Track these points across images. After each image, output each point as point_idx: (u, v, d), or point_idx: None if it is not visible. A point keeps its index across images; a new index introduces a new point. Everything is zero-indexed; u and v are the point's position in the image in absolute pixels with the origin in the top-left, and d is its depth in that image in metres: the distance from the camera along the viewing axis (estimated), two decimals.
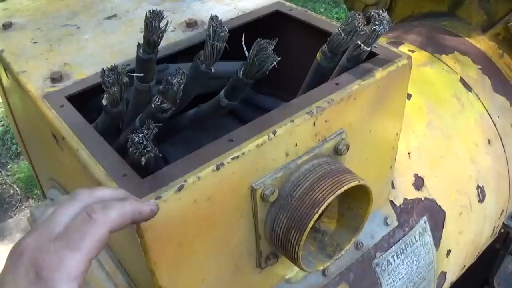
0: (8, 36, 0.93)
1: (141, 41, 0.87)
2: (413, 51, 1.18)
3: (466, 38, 1.24)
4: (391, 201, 0.96)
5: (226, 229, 0.67)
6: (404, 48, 1.19)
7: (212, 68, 0.69)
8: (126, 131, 0.75)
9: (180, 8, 0.97)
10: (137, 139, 0.55)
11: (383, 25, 0.72)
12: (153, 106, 0.65)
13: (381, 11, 0.73)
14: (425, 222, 0.98)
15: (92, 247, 0.46)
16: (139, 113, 0.74)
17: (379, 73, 0.74)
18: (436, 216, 1.00)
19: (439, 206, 1.00)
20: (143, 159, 0.58)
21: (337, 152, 0.73)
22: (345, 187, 0.66)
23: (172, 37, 0.88)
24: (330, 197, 0.65)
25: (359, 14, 0.72)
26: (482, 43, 1.24)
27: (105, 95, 0.64)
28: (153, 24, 0.64)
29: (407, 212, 0.97)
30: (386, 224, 0.94)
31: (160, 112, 0.65)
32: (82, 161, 0.65)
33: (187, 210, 0.60)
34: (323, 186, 0.66)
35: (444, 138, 1.05)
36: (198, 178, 0.59)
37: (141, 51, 0.68)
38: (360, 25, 0.71)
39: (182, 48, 0.84)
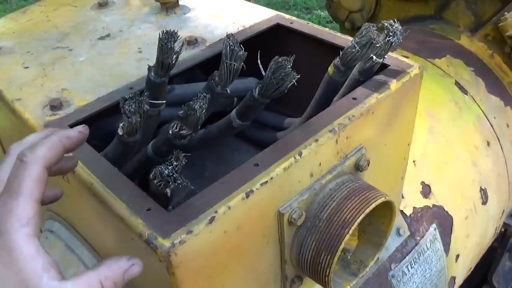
0: None
1: (141, 62, 0.84)
2: (406, 57, 1.17)
3: (456, 40, 1.24)
4: (401, 211, 0.95)
5: (253, 257, 0.64)
6: (397, 55, 1.18)
7: (227, 89, 0.66)
8: (137, 157, 0.71)
9: (177, 25, 0.93)
10: (166, 172, 0.52)
11: (397, 36, 0.71)
12: (170, 132, 0.61)
13: (393, 22, 0.71)
14: (434, 229, 0.97)
15: (32, 188, 0.46)
16: (147, 138, 0.70)
17: (394, 85, 0.73)
18: (444, 222, 0.99)
19: (447, 211, 1.00)
20: (168, 190, 0.55)
21: (358, 168, 0.71)
22: (373, 205, 0.64)
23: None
24: (360, 216, 0.63)
25: (373, 26, 0.70)
26: (472, 44, 1.24)
27: (121, 124, 0.61)
28: (168, 46, 0.61)
29: (417, 221, 0.96)
30: (399, 234, 0.93)
31: (179, 138, 0.62)
32: (98, 195, 0.61)
33: (218, 242, 0.57)
34: (350, 205, 0.64)
35: (446, 143, 1.05)
36: (229, 207, 0.56)
37: (152, 74, 0.65)
38: (375, 37, 0.69)
39: (186, 67, 0.81)
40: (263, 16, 0.94)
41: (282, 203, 0.63)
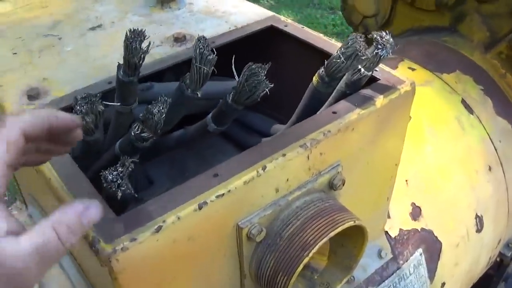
0: None
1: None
2: (413, 69, 1.13)
3: (467, 56, 1.19)
4: (386, 232, 0.91)
5: (207, 268, 0.62)
6: (404, 66, 1.14)
7: (198, 93, 0.63)
8: (105, 155, 0.69)
9: (169, 20, 0.91)
10: (110, 177, 0.49)
11: (386, 49, 0.67)
12: (132, 134, 0.59)
13: (384, 33, 0.68)
14: (420, 254, 0.93)
15: (5, 149, 0.44)
16: (120, 136, 0.68)
17: (380, 101, 0.69)
18: (432, 248, 0.95)
19: (436, 237, 0.96)
20: (119, 194, 0.52)
21: (331, 187, 0.68)
22: (339, 229, 0.61)
23: (159, 52, 0.82)
24: (322, 239, 0.60)
25: (360, 36, 0.67)
26: (484, 61, 1.19)
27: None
28: (133, 46, 0.58)
29: (403, 244, 0.92)
30: (380, 256, 0.89)
31: (140, 141, 0.60)
32: (54, 192, 0.59)
33: (166, 250, 0.54)
34: (315, 226, 0.61)
35: (444, 164, 1.00)
36: (178, 218, 0.53)
37: (121, 72, 0.62)
38: (361, 49, 0.65)
39: (168, 65, 0.78)
40: (259, 16, 0.91)
41: (242, 217, 0.60)
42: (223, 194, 0.56)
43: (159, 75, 0.81)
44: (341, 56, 0.66)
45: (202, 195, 0.55)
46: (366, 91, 0.70)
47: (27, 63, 0.81)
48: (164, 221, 0.53)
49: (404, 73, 1.10)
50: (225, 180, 0.57)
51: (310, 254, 0.59)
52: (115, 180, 0.49)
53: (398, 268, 0.89)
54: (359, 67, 0.68)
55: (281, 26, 0.87)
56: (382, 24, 1.44)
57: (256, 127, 0.92)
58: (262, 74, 0.60)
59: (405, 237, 0.92)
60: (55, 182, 0.59)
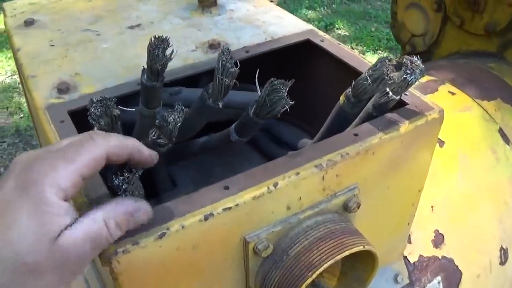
0: (28, 35, 0.90)
1: None
2: (453, 93, 1.11)
3: (511, 84, 1.15)
4: (405, 257, 0.89)
5: (212, 278, 0.62)
6: (444, 89, 1.11)
7: (220, 103, 0.63)
8: None
9: (207, 25, 0.92)
10: (116, 181, 0.50)
11: (415, 74, 0.65)
12: (149, 139, 0.60)
13: (415, 59, 0.66)
14: (438, 282, 0.91)
15: (86, 163, 0.46)
16: (143, 138, 0.69)
17: (405, 127, 0.68)
18: (451, 277, 0.92)
19: (456, 266, 0.93)
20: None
21: (346, 209, 0.67)
22: (346, 253, 0.60)
23: (192, 57, 0.83)
24: (328, 261, 0.59)
25: (389, 60, 0.65)
26: None
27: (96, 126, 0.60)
28: (156, 53, 0.59)
29: (421, 270, 0.89)
30: (396, 281, 0.87)
31: (157, 146, 0.60)
32: None
33: (169, 257, 0.55)
34: (322, 248, 0.60)
35: (473, 193, 0.97)
36: (183, 227, 0.54)
37: (145, 77, 0.63)
38: (388, 72, 0.64)
39: (199, 71, 0.79)
40: (298, 29, 0.90)
41: (250, 231, 0.60)
42: (230, 208, 0.56)
43: (194, 80, 0.82)
44: (368, 78, 0.65)
45: (209, 206, 0.55)
46: (392, 115, 0.69)
47: (63, 57, 0.83)
48: (168, 229, 0.53)
49: (443, 97, 1.09)
50: (234, 194, 0.57)
51: (314, 275, 0.59)
52: (121, 185, 0.50)
53: None
54: (387, 90, 0.67)
55: (317, 41, 0.87)
56: (430, 45, 1.41)
57: (285, 139, 0.92)
58: (284, 91, 0.60)
59: (424, 263, 0.90)
60: None
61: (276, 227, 0.61)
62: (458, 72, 1.18)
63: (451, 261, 0.93)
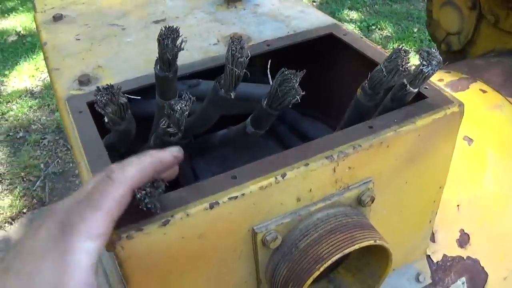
0: (56, 29, 0.92)
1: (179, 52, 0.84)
2: (485, 91, 1.07)
3: None
4: (428, 256, 0.87)
5: (220, 268, 0.62)
6: (475, 87, 1.08)
7: (232, 94, 0.63)
8: (144, 147, 0.71)
9: (231, 19, 0.92)
10: (138, 195, 0.50)
11: (432, 66, 0.64)
12: (160, 128, 0.60)
13: (432, 50, 0.65)
14: (463, 283, 0.88)
15: (112, 207, 0.47)
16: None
17: (421, 121, 0.66)
18: (476, 278, 0.89)
19: (482, 267, 0.90)
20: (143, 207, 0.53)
21: (359, 203, 0.65)
22: (356, 246, 0.59)
23: (213, 51, 0.83)
24: (336, 254, 0.58)
25: (405, 51, 0.64)
26: None
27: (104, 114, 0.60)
28: (165, 42, 0.59)
29: (445, 270, 0.87)
30: (418, 280, 0.85)
31: (167, 135, 0.61)
32: (80, 175, 0.62)
33: (174, 245, 0.55)
34: (332, 240, 0.59)
35: (503, 194, 0.94)
36: (187, 215, 0.54)
37: (157, 67, 0.64)
38: (403, 63, 0.63)
39: (218, 64, 0.79)
40: (323, 23, 0.89)
41: (258, 222, 0.59)
42: (236, 197, 0.56)
43: (215, 73, 0.82)
44: (383, 69, 0.64)
45: (215, 195, 0.55)
46: (409, 108, 0.68)
47: (87, 50, 0.85)
48: (172, 216, 0.53)
49: (474, 94, 1.06)
50: (241, 183, 0.56)
51: (322, 268, 0.58)
52: (142, 199, 0.50)
53: None
54: (405, 82, 0.66)
55: (340, 35, 0.85)
56: (465, 43, 1.37)
57: (311, 135, 0.91)
58: (294, 81, 0.59)
59: (448, 263, 0.88)
60: (82, 166, 0.62)
61: (286, 218, 0.61)
62: (492, 71, 1.15)
63: (476, 262, 0.90)
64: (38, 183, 2.36)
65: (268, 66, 0.63)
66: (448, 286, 0.87)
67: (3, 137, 2.71)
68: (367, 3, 3.82)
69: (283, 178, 0.58)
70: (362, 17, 3.63)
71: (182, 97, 0.56)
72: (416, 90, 0.66)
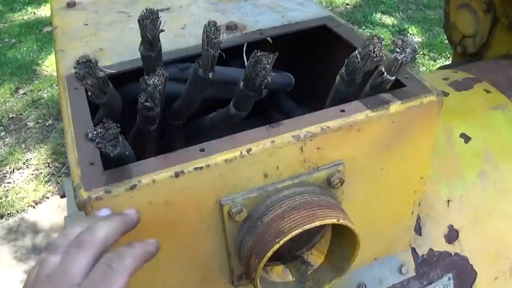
0: (67, 15, 0.98)
1: (178, 37, 0.88)
2: (489, 91, 1.07)
3: None
4: (414, 249, 0.88)
5: (189, 238, 0.65)
6: (480, 87, 1.08)
7: (209, 74, 0.67)
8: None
9: (231, 10, 0.95)
10: (90, 135, 0.54)
11: (405, 53, 0.65)
12: (139, 103, 0.64)
13: (407, 38, 0.66)
14: (449, 278, 0.88)
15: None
16: None
17: (395, 107, 0.68)
18: (464, 276, 0.89)
19: (471, 265, 0.90)
20: (108, 152, 0.57)
21: (329, 184, 0.67)
22: (317, 223, 0.61)
23: None
24: (296, 230, 0.60)
25: (378, 38, 0.66)
26: None
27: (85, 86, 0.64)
28: (145, 23, 0.63)
29: (430, 265, 0.88)
30: (401, 272, 0.86)
31: (146, 110, 0.64)
32: (66, 143, 0.66)
33: (142, 210, 0.58)
34: (294, 216, 0.62)
35: (496, 193, 0.94)
36: (153, 181, 0.57)
37: (142, 47, 0.68)
38: (376, 50, 0.65)
39: None
40: (319, 16, 0.92)
41: (225, 195, 0.62)
42: (201, 168, 0.59)
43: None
44: (357, 56, 0.66)
45: (181, 164, 0.58)
46: (385, 95, 0.69)
47: (92, 34, 0.90)
48: (139, 181, 0.57)
49: (477, 94, 1.06)
50: (207, 155, 0.59)
51: (282, 242, 0.60)
52: (94, 138, 0.54)
53: None
54: (382, 70, 0.68)
55: (333, 27, 0.88)
56: (480, 46, 1.37)
57: None
58: (265, 62, 0.62)
59: (434, 258, 0.88)
60: (69, 135, 0.66)
61: (253, 193, 0.63)
62: (500, 73, 1.14)
63: (465, 259, 0.90)
64: (63, 169, 2.46)
65: (244, 49, 0.66)
66: (433, 280, 0.87)
67: (33, 124, 2.82)
68: (401, 8, 3.80)
69: (248, 152, 0.60)
70: (395, 21, 3.62)
71: (156, 72, 0.59)
72: (393, 77, 0.68)
